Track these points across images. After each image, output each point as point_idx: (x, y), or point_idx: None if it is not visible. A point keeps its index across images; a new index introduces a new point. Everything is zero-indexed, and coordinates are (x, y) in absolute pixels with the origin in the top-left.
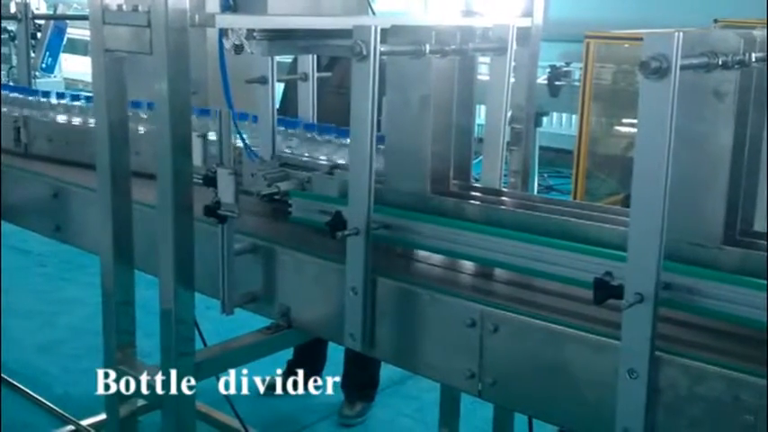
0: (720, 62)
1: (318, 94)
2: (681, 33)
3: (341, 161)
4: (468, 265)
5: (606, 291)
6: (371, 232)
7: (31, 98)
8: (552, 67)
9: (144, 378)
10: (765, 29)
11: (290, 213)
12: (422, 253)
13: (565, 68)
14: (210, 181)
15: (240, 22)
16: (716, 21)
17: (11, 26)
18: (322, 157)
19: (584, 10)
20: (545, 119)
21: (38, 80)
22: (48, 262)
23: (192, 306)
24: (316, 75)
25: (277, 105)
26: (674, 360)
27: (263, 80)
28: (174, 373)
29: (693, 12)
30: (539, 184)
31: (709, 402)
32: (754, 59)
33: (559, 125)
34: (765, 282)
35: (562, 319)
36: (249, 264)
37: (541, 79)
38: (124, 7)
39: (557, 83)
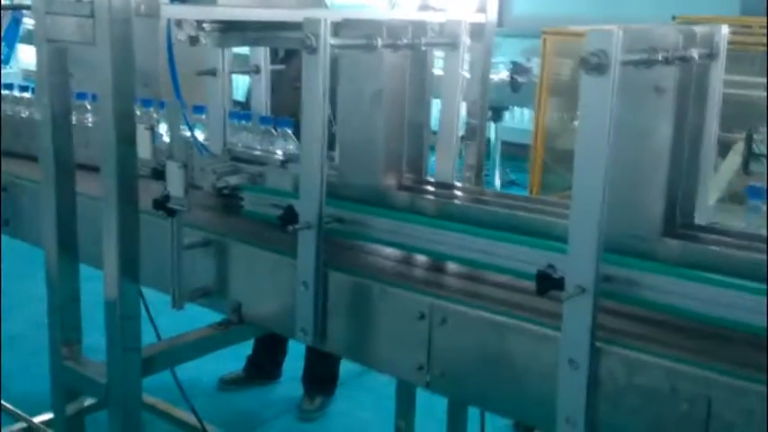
0: (661, 58)
1: (275, 88)
2: (621, 29)
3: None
4: (420, 259)
5: (548, 282)
6: (323, 226)
7: None
8: (513, 63)
9: (90, 374)
10: (720, 26)
11: (241, 207)
12: (374, 246)
13: (526, 64)
14: (159, 174)
15: (187, 12)
16: (674, 18)
17: None
18: (276, 151)
19: (547, 6)
20: (507, 114)
21: None
22: (5, 256)
23: (137, 300)
24: (269, 68)
25: (241, 98)
26: (614, 350)
27: (213, 72)
28: (119, 365)
29: (653, 8)
30: (501, 179)
31: (647, 392)
32: (695, 55)
33: (521, 120)
34: (703, 273)
35: (506, 311)
36: (201, 258)
37: (503, 75)
38: None
39: (518, 78)
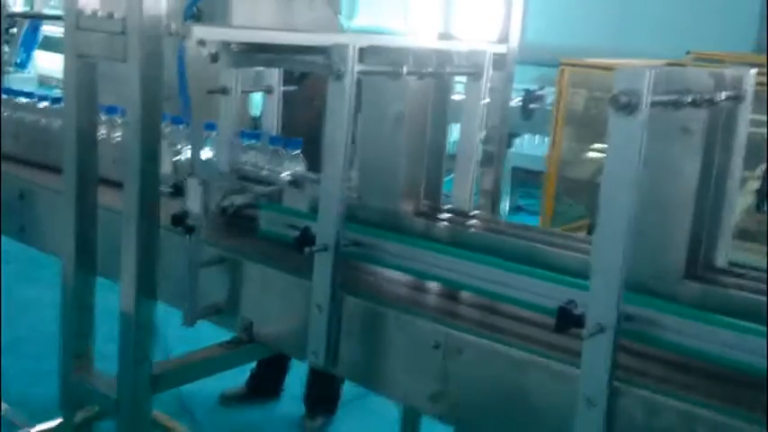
0: (691, 100)
1: (290, 106)
2: (653, 70)
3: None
4: (436, 286)
5: (568, 319)
6: (341, 249)
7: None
8: (526, 90)
9: (100, 385)
10: (735, 65)
11: (248, 227)
12: (390, 271)
13: (538, 92)
14: (179, 190)
15: (216, 34)
16: (688, 52)
17: None
18: (285, 172)
19: (561, 36)
20: (517, 140)
21: (11, 75)
22: (12, 259)
23: (152, 314)
24: (281, 88)
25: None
26: (633, 391)
27: (224, 91)
28: (130, 380)
29: (668, 42)
30: (509, 205)
31: None
32: (723, 98)
33: (531, 147)
34: (724, 317)
35: (524, 345)
36: (214, 276)
37: (515, 101)
38: (99, 13)
39: (530, 105)
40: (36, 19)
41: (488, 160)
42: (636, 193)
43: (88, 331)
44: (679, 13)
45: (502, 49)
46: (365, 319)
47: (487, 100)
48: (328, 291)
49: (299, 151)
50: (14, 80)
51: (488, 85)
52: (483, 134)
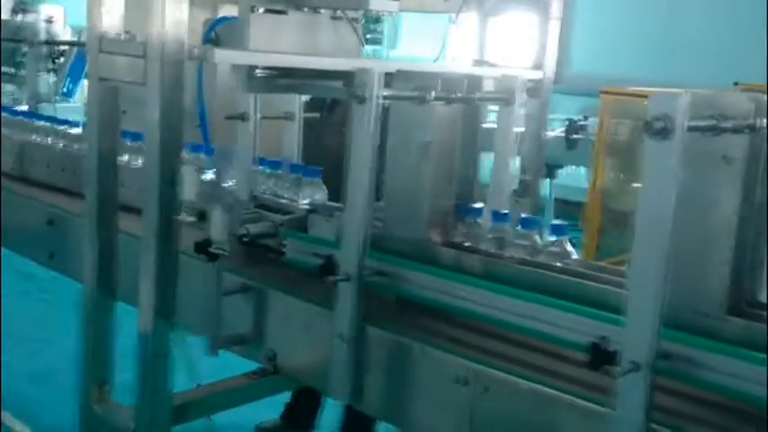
0: (730, 126)
1: (319, 133)
2: (687, 94)
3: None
4: (462, 319)
5: (601, 357)
6: (363, 279)
7: (34, 123)
8: (570, 120)
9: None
10: None
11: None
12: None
13: (582, 122)
14: (202, 217)
15: (238, 57)
16: (736, 83)
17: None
18: (303, 200)
19: (607, 66)
20: (560, 171)
21: (57, 105)
22: (49, 288)
23: (168, 341)
24: (302, 114)
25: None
26: None
27: (243, 117)
28: (148, 410)
29: (715, 73)
30: None
31: None
32: (764, 124)
33: (575, 178)
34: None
35: (553, 383)
36: (240, 305)
37: (559, 132)
38: (122, 36)
39: (574, 136)
40: (83, 48)
41: (525, 190)
42: (672, 222)
43: (108, 359)
44: (727, 44)
45: (537, 75)
46: (389, 352)
47: (522, 128)
48: (350, 321)
49: (319, 179)
50: (61, 109)
51: (522, 111)
52: (518, 162)
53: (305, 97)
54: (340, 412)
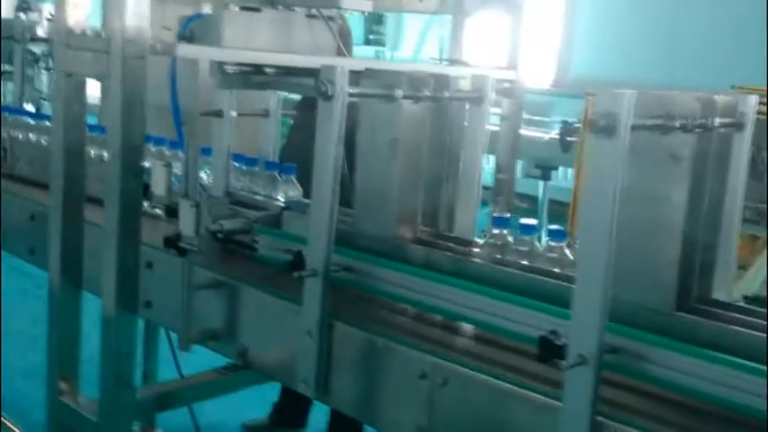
0: (678, 125)
1: (304, 132)
2: (633, 93)
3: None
4: (429, 315)
5: (550, 350)
6: (330, 274)
7: (19, 119)
8: (563, 122)
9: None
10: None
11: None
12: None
13: (577, 125)
14: (172, 212)
15: (201, 53)
16: (733, 87)
17: (35, 48)
18: (278, 197)
19: (606, 69)
20: (555, 173)
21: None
22: (45, 284)
23: (132, 334)
24: (280, 112)
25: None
26: (617, 427)
27: (219, 113)
28: (109, 404)
29: (715, 76)
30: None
31: None
32: (717, 124)
33: (568, 179)
34: (713, 353)
35: (508, 376)
36: (212, 301)
37: (554, 134)
38: (87, 32)
39: (568, 138)
40: None
41: (500, 189)
42: (622, 219)
43: (75, 352)
44: (729, 47)
45: (511, 75)
46: (355, 347)
47: (496, 128)
48: (317, 316)
49: (293, 176)
50: None
51: (494, 111)
52: (493, 161)
53: (298, 96)
54: (328, 411)
